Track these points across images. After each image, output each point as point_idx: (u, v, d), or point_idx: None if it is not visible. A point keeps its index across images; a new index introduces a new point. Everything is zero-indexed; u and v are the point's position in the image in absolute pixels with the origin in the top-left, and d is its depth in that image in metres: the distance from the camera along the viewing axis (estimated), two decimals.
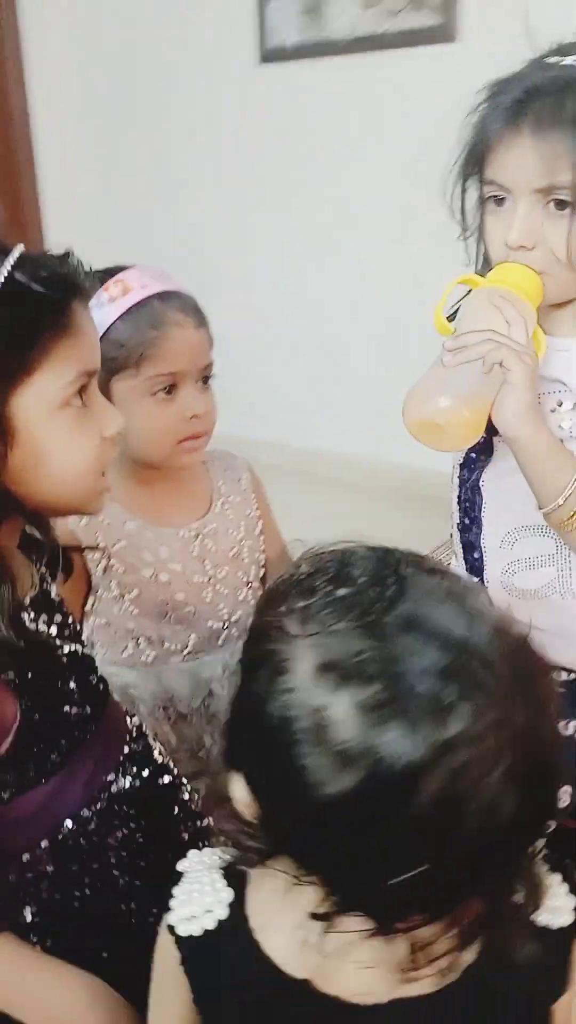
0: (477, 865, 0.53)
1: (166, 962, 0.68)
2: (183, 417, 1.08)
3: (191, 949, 0.66)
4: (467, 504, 1.04)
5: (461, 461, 1.05)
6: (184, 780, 0.97)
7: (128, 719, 0.93)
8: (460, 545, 1.07)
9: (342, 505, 2.87)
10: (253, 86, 3.13)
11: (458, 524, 1.07)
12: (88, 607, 1.14)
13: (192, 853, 0.70)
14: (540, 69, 0.89)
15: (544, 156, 0.84)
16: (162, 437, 1.09)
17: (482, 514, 1.03)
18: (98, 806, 0.84)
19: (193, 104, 3.29)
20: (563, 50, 0.90)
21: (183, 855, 0.77)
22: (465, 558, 1.07)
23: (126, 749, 0.90)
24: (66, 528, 1.03)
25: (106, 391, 1.04)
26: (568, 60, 0.88)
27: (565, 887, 0.65)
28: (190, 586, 1.14)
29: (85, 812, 0.83)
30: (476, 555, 1.05)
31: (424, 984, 0.60)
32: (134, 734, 0.92)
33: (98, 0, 3.40)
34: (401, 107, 2.86)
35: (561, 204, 0.86)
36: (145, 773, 0.90)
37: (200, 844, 0.80)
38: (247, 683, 0.57)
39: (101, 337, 1.02)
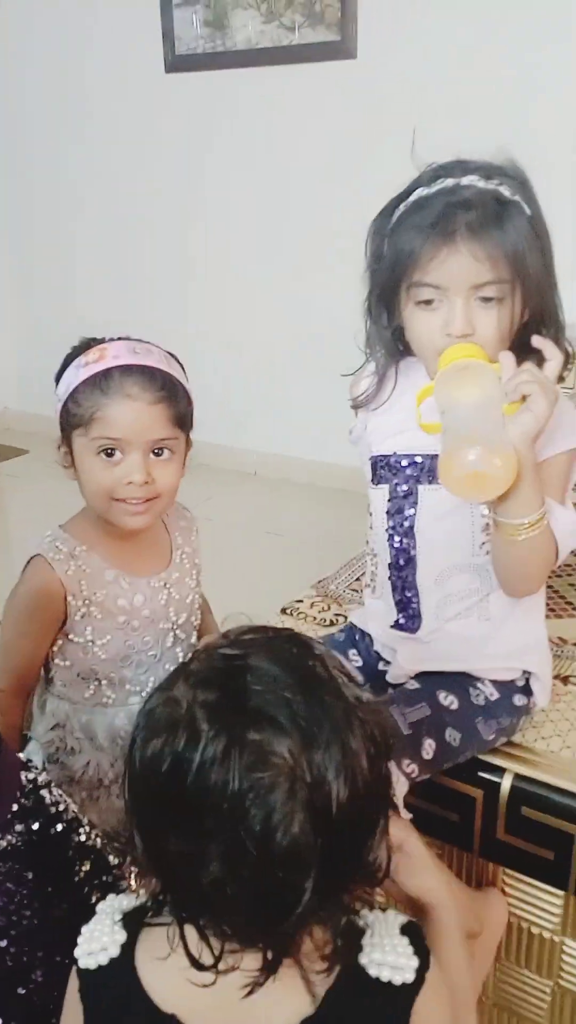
0: (265, 881, 0.64)
1: (71, 988, 0.79)
2: (120, 481, 1.15)
3: (86, 980, 0.77)
4: (400, 547, 1.20)
5: (387, 509, 1.20)
6: (81, 821, 1.01)
7: (23, 774, 0.97)
8: (389, 583, 1.22)
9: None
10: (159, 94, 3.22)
11: (390, 564, 1.21)
12: (55, 648, 1.22)
13: (110, 897, 0.81)
14: (450, 189, 1.04)
15: (478, 259, 1.01)
16: (97, 493, 1.17)
17: (416, 555, 1.19)
18: None
19: (106, 111, 3.36)
20: (448, 171, 1.06)
21: (79, 893, 0.89)
22: (398, 593, 1.22)
23: (15, 807, 0.93)
24: None
25: (69, 443, 1.17)
26: (466, 180, 1.04)
27: (410, 948, 0.74)
28: (156, 632, 1.24)
29: None
30: (410, 593, 1.21)
31: None
32: (27, 788, 0.96)
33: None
34: (302, 118, 2.99)
35: (486, 299, 1.03)
36: (35, 826, 0.94)
37: (98, 878, 0.86)
38: None
39: (68, 396, 1.15)
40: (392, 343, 1.16)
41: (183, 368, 1.23)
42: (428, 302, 1.06)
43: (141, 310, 3.40)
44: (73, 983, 0.79)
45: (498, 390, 1.01)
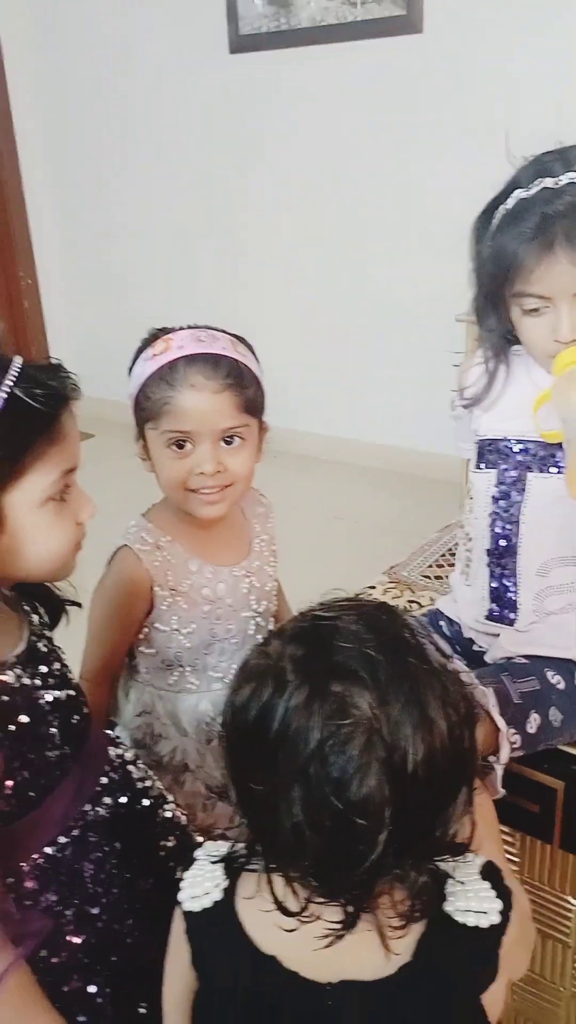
0: (343, 829, 0.66)
1: (176, 929, 0.83)
2: (191, 471, 1.15)
3: (192, 922, 0.81)
4: (502, 533, 1.19)
5: (493, 495, 1.19)
6: (167, 798, 1.06)
7: (112, 749, 1.00)
8: (487, 568, 1.21)
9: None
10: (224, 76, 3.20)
11: (489, 550, 1.20)
12: (140, 636, 1.24)
13: (207, 844, 0.85)
14: (547, 197, 1.03)
15: None
16: (171, 484, 1.17)
17: (519, 543, 1.18)
18: (73, 834, 0.92)
19: (169, 94, 3.35)
20: (548, 168, 1.04)
21: (164, 868, 0.93)
22: (494, 581, 1.21)
23: (104, 780, 0.97)
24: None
25: (142, 435, 1.18)
26: (564, 180, 1.03)
27: (493, 892, 0.76)
28: (239, 620, 1.25)
29: (61, 839, 0.91)
30: (508, 582, 1.19)
31: (365, 971, 0.74)
32: (115, 763, 0.99)
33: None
34: (366, 95, 2.96)
35: None
36: (123, 800, 0.98)
37: (183, 853, 0.90)
38: None
39: (139, 390, 1.15)
40: (501, 342, 1.16)
41: (253, 352, 1.21)
42: (534, 310, 1.06)
43: (200, 289, 3.42)
44: (179, 924, 0.82)
45: None
